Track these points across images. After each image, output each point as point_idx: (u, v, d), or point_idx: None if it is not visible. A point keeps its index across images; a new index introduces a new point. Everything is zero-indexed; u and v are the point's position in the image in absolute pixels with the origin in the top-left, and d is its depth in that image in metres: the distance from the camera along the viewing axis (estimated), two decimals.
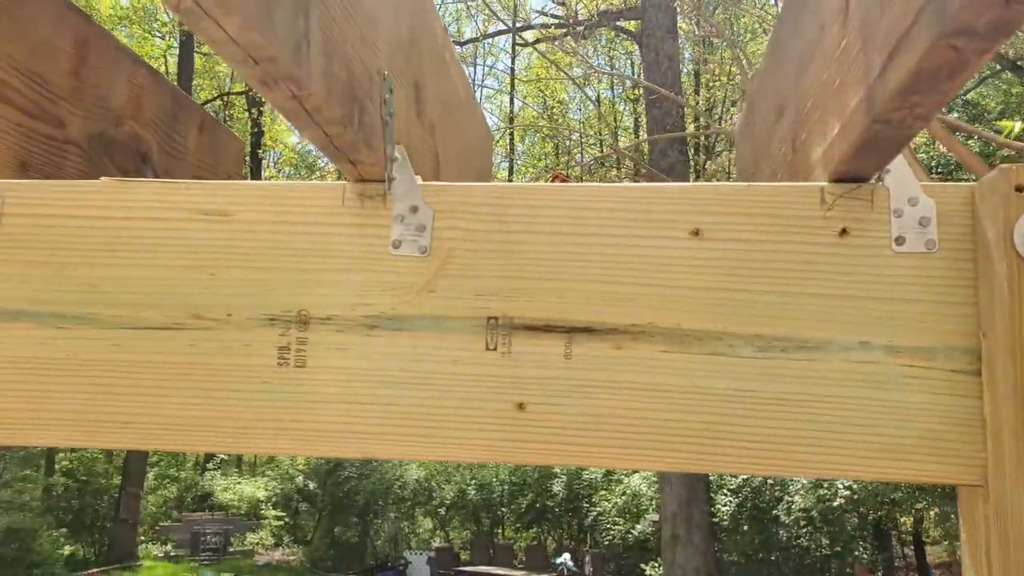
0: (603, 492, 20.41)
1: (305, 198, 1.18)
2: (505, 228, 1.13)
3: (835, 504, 15.80)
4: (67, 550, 20.65)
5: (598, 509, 20.32)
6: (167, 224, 1.18)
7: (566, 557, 18.67)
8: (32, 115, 1.37)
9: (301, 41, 0.86)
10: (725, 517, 17.10)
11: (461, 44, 33.46)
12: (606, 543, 20.07)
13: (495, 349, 1.10)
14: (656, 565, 17.28)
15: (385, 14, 1.15)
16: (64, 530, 21.62)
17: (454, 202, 1.15)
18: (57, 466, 25.43)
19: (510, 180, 28.15)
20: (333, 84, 0.94)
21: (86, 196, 1.21)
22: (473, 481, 22.07)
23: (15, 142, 1.34)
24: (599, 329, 1.09)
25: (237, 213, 1.18)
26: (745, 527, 17.05)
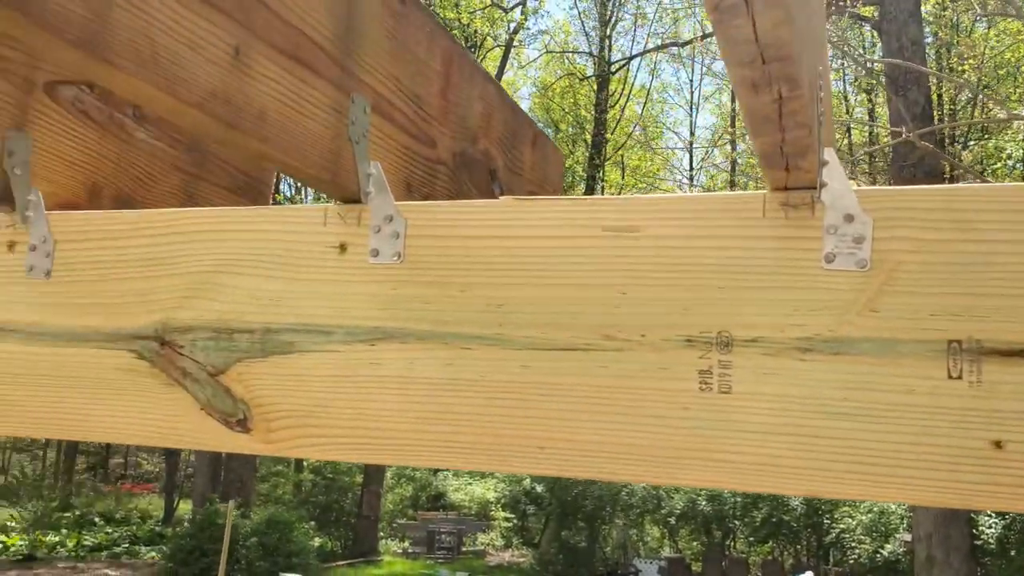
0: (846, 508, 19.24)
1: (718, 210, 1.09)
2: (965, 236, 0.99)
3: None
4: (316, 542, 22.17)
5: (841, 526, 19.17)
6: (572, 242, 1.14)
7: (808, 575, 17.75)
8: (414, 136, 1.39)
9: (804, 36, 0.76)
10: (990, 539, 15.60)
11: (680, 45, 32.99)
12: (850, 562, 18.90)
13: (960, 378, 0.96)
14: None
15: None
16: (313, 523, 23.26)
17: (897, 208, 1.02)
18: (305, 463, 27.44)
19: (733, 183, 27.27)
20: (811, 83, 0.85)
21: (487, 215, 1.18)
22: (703, 492, 21.51)
23: (402, 164, 1.36)
24: None
25: (645, 228, 1.11)
26: (1013, 552, 15.47)
